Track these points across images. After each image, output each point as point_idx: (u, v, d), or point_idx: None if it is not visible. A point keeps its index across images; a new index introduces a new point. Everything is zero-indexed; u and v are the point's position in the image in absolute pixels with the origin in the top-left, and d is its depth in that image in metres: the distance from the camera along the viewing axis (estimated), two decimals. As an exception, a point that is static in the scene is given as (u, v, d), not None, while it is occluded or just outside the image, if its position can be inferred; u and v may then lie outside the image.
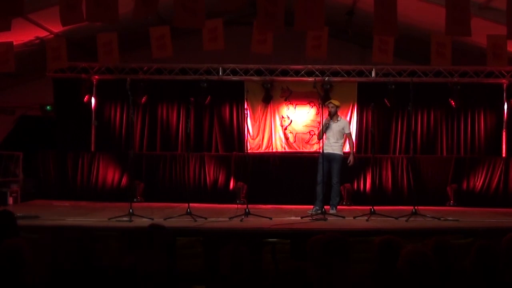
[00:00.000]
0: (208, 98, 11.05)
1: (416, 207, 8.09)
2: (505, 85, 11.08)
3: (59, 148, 11.26)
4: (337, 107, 9.02)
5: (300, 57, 9.17)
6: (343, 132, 8.94)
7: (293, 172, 10.90)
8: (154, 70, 11.14)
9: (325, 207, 8.46)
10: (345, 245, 3.82)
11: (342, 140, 9.00)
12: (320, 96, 10.81)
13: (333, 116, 8.91)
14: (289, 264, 3.11)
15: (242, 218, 7.80)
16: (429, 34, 7.80)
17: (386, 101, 10.87)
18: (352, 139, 9.32)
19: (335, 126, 8.88)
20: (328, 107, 8.91)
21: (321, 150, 8.66)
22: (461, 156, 11.15)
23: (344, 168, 9.00)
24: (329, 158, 8.76)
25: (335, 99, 9.46)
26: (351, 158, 8.99)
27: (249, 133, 11.16)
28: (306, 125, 11.35)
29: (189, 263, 6.04)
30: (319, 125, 9.53)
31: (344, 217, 8.21)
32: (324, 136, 8.86)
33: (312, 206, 8.76)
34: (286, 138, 11.40)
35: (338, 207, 8.96)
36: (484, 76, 10.94)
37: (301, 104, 11.35)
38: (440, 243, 3.91)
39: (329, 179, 8.90)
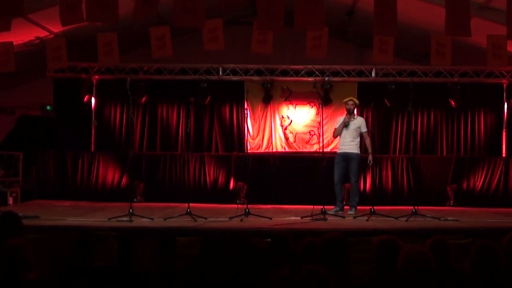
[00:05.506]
0: (208, 98, 11.06)
1: (416, 207, 8.07)
2: (505, 85, 11.07)
3: (59, 148, 11.24)
4: (356, 104, 8.97)
5: (300, 57, 9.15)
6: (359, 131, 8.78)
7: (293, 172, 10.87)
8: (154, 70, 11.14)
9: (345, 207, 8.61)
10: (345, 245, 3.83)
11: (358, 139, 8.81)
12: (320, 96, 10.79)
13: (351, 114, 8.83)
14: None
15: (242, 218, 7.79)
16: (429, 34, 7.80)
17: (386, 101, 10.87)
18: (369, 139, 8.90)
19: (352, 124, 8.78)
20: (348, 105, 8.82)
21: (321, 150, 8.67)
22: (461, 156, 11.13)
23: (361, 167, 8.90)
24: (346, 157, 8.73)
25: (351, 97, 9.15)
26: (370, 158, 8.80)
27: (249, 133, 11.15)
28: (306, 125, 11.32)
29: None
30: (319, 125, 9.43)
31: (344, 217, 8.22)
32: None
33: (311, 206, 8.73)
34: (286, 138, 11.39)
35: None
36: (484, 76, 10.93)
37: (301, 104, 11.32)
38: (438, 243, 3.91)
39: (346, 179, 8.90)
